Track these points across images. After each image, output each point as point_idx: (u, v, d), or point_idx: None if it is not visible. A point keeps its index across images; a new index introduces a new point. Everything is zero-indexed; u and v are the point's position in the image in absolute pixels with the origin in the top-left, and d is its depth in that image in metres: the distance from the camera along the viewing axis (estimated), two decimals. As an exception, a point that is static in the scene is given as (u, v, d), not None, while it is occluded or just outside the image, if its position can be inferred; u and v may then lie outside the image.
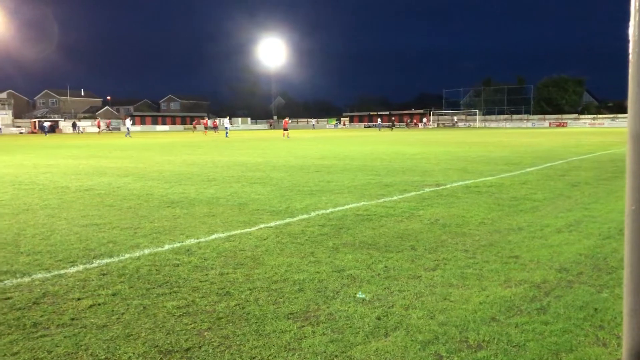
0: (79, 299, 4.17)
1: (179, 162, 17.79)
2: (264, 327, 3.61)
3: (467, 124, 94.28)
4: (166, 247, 5.83)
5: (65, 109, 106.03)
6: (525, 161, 16.45)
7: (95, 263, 5.21)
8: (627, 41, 1.27)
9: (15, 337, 3.48)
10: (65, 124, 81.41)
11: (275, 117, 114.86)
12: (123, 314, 3.87)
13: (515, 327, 3.55)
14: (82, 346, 3.33)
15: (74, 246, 5.90)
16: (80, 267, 5.06)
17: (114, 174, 13.91)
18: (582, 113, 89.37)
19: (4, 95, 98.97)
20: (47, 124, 71.51)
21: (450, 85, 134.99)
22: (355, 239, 6.14)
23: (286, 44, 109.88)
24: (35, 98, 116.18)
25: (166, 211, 8.06)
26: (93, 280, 4.67)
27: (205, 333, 3.53)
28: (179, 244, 5.94)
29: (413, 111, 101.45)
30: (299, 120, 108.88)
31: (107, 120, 73.91)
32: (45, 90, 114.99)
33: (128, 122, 55.31)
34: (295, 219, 7.35)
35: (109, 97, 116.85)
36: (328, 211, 7.88)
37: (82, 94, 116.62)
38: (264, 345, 3.33)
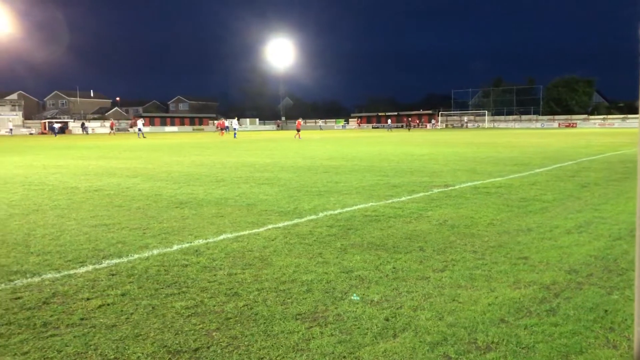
0: (88, 299, 4.20)
1: (187, 162, 17.85)
2: (272, 327, 3.61)
3: (476, 124, 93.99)
4: (175, 247, 5.85)
5: (74, 110, 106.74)
6: (535, 162, 16.37)
7: (105, 263, 5.24)
8: (638, 41, 1.26)
9: (25, 336, 3.50)
10: (74, 125, 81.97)
11: (283, 118, 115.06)
12: (132, 314, 3.89)
13: (525, 329, 3.53)
14: (92, 346, 3.35)
15: (83, 246, 5.94)
16: (90, 268, 5.09)
17: (123, 174, 13.98)
18: (592, 113, 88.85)
19: (14, 96, 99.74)
20: (56, 125, 72.01)
21: (459, 86, 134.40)
22: (364, 239, 6.14)
23: (295, 44, 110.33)
24: (45, 99, 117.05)
25: (175, 212, 8.09)
26: (102, 280, 4.70)
27: (214, 333, 3.54)
28: (187, 245, 5.96)
29: (421, 112, 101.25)
30: (307, 121, 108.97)
31: (112, 122, 74.18)
32: (55, 92, 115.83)
33: (140, 122, 55.60)
34: (303, 219, 7.35)
35: (118, 98, 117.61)
36: (336, 212, 7.88)
37: (92, 95, 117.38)
38: (272, 345, 3.34)
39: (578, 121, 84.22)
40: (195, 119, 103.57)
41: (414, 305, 3.99)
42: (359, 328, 3.58)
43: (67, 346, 3.35)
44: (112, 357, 3.21)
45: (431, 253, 5.51)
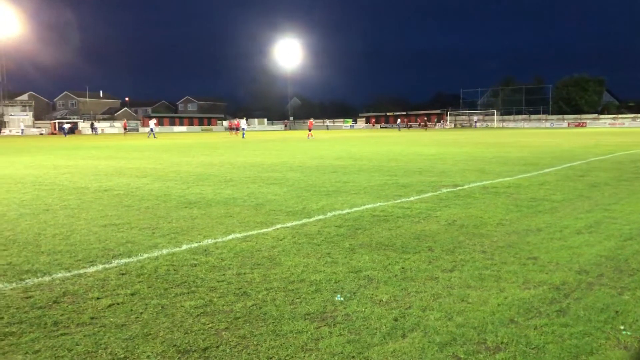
0: (98, 299, 4.22)
1: (196, 163, 17.91)
2: (281, 327, 3.62)
3: (485, 124, 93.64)
4: (184, 247, 5.87)
5: (84, 110, 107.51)
6: (544, 162, 16.28)
7: (114, 263, 5.27)
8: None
9: (36, 335, 3.53)
10: (84, 125, 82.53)
11: (291, 118, 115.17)
12: (142, 313, 3.91)
13: (535, 329, 3.52)
14: (102, 345, 3.37)
15: (93, 246, 5.97)
16: (100, 267, 5.12)
17: (132, 174, 14.05)
18: (602, 113, 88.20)
19: (25, 97, 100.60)
20: (66, 126, 72.48)
21: (468, 85, 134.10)
22: (372, 239, 6.13)
23: (303, 44, 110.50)
24: (55, 99, 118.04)
25: (184, 211, 8.12)
26: (112, 279, 4.72)
27: (223, 333, 3.55)
28: (196, 244, 5.98)
29: (430, 111, 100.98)
30: (315, 120, 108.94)
31: (125, 122, 74.73)
32: (65, 92, 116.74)
33: (152, 123, 55.93)
34: (311, 219, 7.36)
35: (127, 99, 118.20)
36: (344, 212, 7.87)
37: (101, 95, 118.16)
38: (281, 345, 3.34)
39: (588, 121, 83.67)
40: (203, 119, 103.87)
41: (422, 306, 3.98)
42: (367, 328, 3.58)
43: (78, 345, 3.37)
44: (122, 356, 3.23)
45: (440, 253, 5.50)
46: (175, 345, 3.37)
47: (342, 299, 4.15)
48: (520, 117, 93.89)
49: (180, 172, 14.55)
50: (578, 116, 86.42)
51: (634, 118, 79.68)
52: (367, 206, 8.34)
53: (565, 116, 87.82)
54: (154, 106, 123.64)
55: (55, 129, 78.88)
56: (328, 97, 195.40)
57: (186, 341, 3.42)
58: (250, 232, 6.58)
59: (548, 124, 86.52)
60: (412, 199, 9.08)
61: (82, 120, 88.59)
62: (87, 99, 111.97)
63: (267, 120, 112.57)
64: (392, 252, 5.54)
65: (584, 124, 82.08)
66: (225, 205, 8.69)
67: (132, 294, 4.32)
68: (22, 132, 74.97)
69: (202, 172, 14.47)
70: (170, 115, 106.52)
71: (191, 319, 3.78)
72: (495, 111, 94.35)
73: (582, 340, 3.35)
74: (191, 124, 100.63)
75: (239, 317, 3.80)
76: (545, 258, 5.26)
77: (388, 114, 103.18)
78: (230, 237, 6.35)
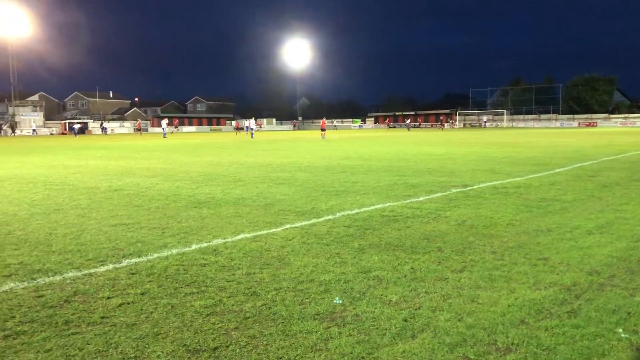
0: (108, 298, 4.25)
1: (205, 162, 17.97)
2: (291, 327, 3.62)
3: (494, 124, 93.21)
4: (194, 247, 5.89)
5: (94, 110, 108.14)
6: (554, 162, 16.18)
7: (125, 262, 5.29)
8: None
9: (47, 334, 3.55)
10: (94, 125, 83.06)
11: (300, 118, 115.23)
12: (152, 312, 3.93)
13: (545, 331, 3.49)
14: (112, 344, 3.39)
15: (103, 245, 6.01)
16: (110, 267, 5.15)
17: (142, 174, 14.11)
18: (613, 112, 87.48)
19: (35, 97, 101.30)
20: (76, 126, 72.98)
21: (477, 85, 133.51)
22: (381, 240, 6.12)
23: (311, 44, 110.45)
24: (65, 100, 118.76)
25: (193, 211, 8.14)
26: (122, 279, 4.75)
27: (233, 332, 3.55)
28: (206, 244, 5.99)
29: (439, 111, 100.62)
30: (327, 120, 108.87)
31: (139, 122, 75.18)
32: (75, 92, 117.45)
33: (164, 123, 56.26)
34: (320, 219, 7.35)
35: (137, 99, 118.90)
36: (353, 212, 7.86)
37: (111, 95, 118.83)
38: (290, 345, 3.34)
39: (599, 120, 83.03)
40: (212, 119, 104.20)
41: (432, 306, 3.97)
42: (377, 328, 3.57)
43: (88, 344, 3.39)
44: (132, 355, 3.24)
45: (450, 253, 5.48)
46: (185, 344, 3.38)
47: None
48: (530, 116, 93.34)
49: (189, 172, 14.60)
50: (589, 116, 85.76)
51: (645, 117, 78.96)
52: (376, 206, 8.32)
53: (576, 116, 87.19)
54: (164, 106, 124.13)
55: (65, 129, 79.45)
56: (336, 97, 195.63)
57: (196, 341, 3.43)
58: (260, 232, 6.59)
59: (558, 124, 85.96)
60: (421, 199, 9.05)
61: (92, 121, 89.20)
62: (97, 99, 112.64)
63: (276, 120, 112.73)
64: (401, 253, 5.52)
65: (595, 124, 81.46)
66: (234, 205, 8.71)
67: (142, 294, 4.34)
68: (34, 133, 75.46)
69: (212, 171, 14.51)
70: (180, 116, 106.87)
71: (201, 319, 3.79)
72: (504, 111, 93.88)
73: (593, 341, 3.33)
74: (200, 124, 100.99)
75: (249, 317, 3.81)
76: (556, 259, 5.22)
77: (397, 113, 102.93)
78: (239, 237, 6.36)
